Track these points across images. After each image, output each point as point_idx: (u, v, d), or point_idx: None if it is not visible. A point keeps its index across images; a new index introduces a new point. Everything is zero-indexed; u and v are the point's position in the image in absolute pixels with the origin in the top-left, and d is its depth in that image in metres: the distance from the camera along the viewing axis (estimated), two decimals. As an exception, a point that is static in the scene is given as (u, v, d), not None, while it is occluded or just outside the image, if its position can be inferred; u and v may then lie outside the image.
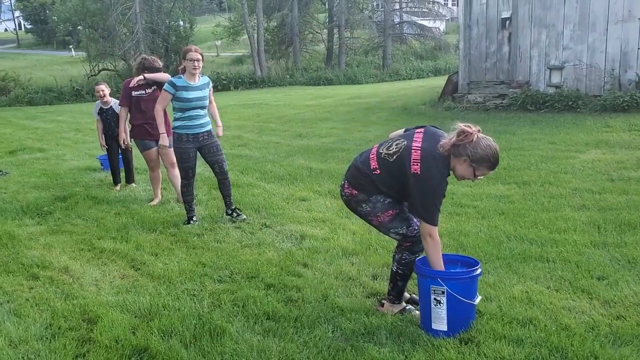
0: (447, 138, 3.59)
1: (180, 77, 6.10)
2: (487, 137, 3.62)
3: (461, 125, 3.56)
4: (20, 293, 4.60)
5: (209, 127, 6.32)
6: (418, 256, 3.88)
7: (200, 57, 6.09)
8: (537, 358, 3.32)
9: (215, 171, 6.42)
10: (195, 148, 6.22)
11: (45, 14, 59.09)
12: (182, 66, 6.18)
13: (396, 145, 3.69)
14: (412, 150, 3.58)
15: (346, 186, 3.89)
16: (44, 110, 24.99)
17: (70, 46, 50.43)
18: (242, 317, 4.02)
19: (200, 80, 6.20)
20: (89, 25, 38.58)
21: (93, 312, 4.13)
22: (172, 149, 7.14)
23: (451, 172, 3.64)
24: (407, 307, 4.02)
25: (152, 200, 7.45)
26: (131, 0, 32.19)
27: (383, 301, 4.10)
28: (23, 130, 16.95)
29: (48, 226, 6.51)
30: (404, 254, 3.90)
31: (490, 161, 3.56)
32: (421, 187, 3.51)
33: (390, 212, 3.79)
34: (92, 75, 34.40)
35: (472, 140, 3.53)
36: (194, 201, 6.52)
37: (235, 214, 6.44)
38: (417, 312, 3.95)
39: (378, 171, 3.73)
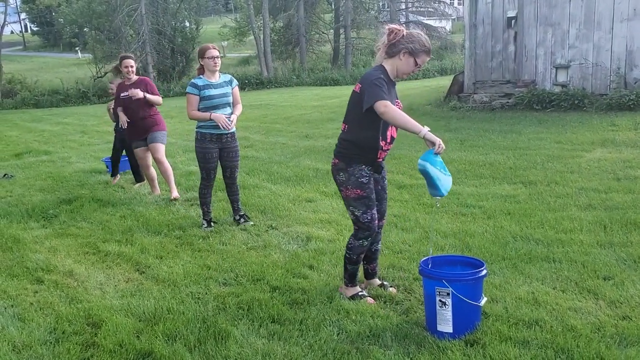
0: (378, 49, 4.04)
1: (200, 77, 6.13)
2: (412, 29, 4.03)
3: (388, 26, 3.97)
4: (25, 297, 4.61)
5: (234, 130, 6.27)
6: (362, 243, 4.14)
7: (218, 53, 6.17)
8: (543, 360, 3.30)
9: (225, 175, 6.39)
10: (217, 149, 6.18)
11: (52, 16, 59.24)
12: (199, 66, 6.25)
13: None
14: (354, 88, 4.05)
15: (333, 159, 4.18)
16: (50, 112, 25.09)
17: (77, 48, 50.55)
18: (247, 320, 4.01)
19: (222, 77, 6.23)
20: (95, 27, 38.70)
21: (97, 316, 4.13)
22: (163, 144, 7.45)
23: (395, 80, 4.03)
24: (360, 293, 4.25)
25: (152, 193, 7.90)
26: (137, 2, 32.24)
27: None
28: (29, 133, 17.01)
29: (53, 229, 6.52)
30: (350, 239, 4.19)
31: (425, 45, 3.91)
32: (364, 89, 3.86)
33: (359, 191, 4.03)
34: (98, 77, 34.51)
35: (404, 34, 3.91)
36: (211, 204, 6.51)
37: (243, 220, 6.39)
38: (370, 299, 4.18)
39: (346, 126, 4.12)
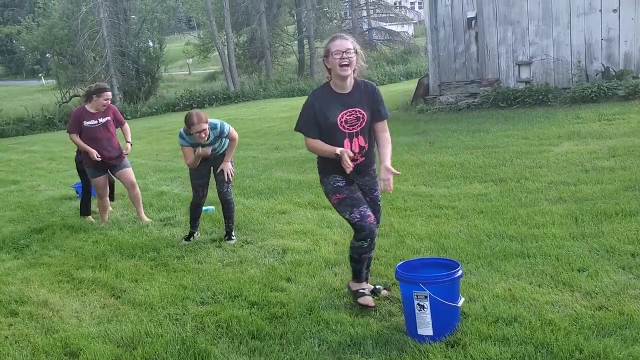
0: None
1: (190, 135, 5.83)
2: None
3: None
4: (-1, 331, 4.52)
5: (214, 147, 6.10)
6: (362, 244, 4.14)
7: (204, 126, 5.72)
8: (523, 356, 3.32)
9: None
10: (208, 166, 6.21)
11: (12, 44, 58.45)
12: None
13: None
14: None
15: None
16: (16, 141, 24.65)
17: (40, 75, 49.88)
18: (227, 338, 3.98)
19: (212, 135, 5.93)
20: (57, 52, 38.20)
21: (75, 345, 4.07)
22: (129, 169, 7.33)
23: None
24: (361, 291, 4.28)
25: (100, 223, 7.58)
26: (98, 25, 31.97)
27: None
28: (-4, 164, 16.70)
29: (25, 260, 6.40)
30: (352, 239, 4.23)
31: (329, 41, 4.08)
32: None
33: (338, 195, 4.17)
34: (63, 103, 34.05)
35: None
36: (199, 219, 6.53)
37: (226, 238, 6.29)
38: (368, 299, 4.21)
39: None
